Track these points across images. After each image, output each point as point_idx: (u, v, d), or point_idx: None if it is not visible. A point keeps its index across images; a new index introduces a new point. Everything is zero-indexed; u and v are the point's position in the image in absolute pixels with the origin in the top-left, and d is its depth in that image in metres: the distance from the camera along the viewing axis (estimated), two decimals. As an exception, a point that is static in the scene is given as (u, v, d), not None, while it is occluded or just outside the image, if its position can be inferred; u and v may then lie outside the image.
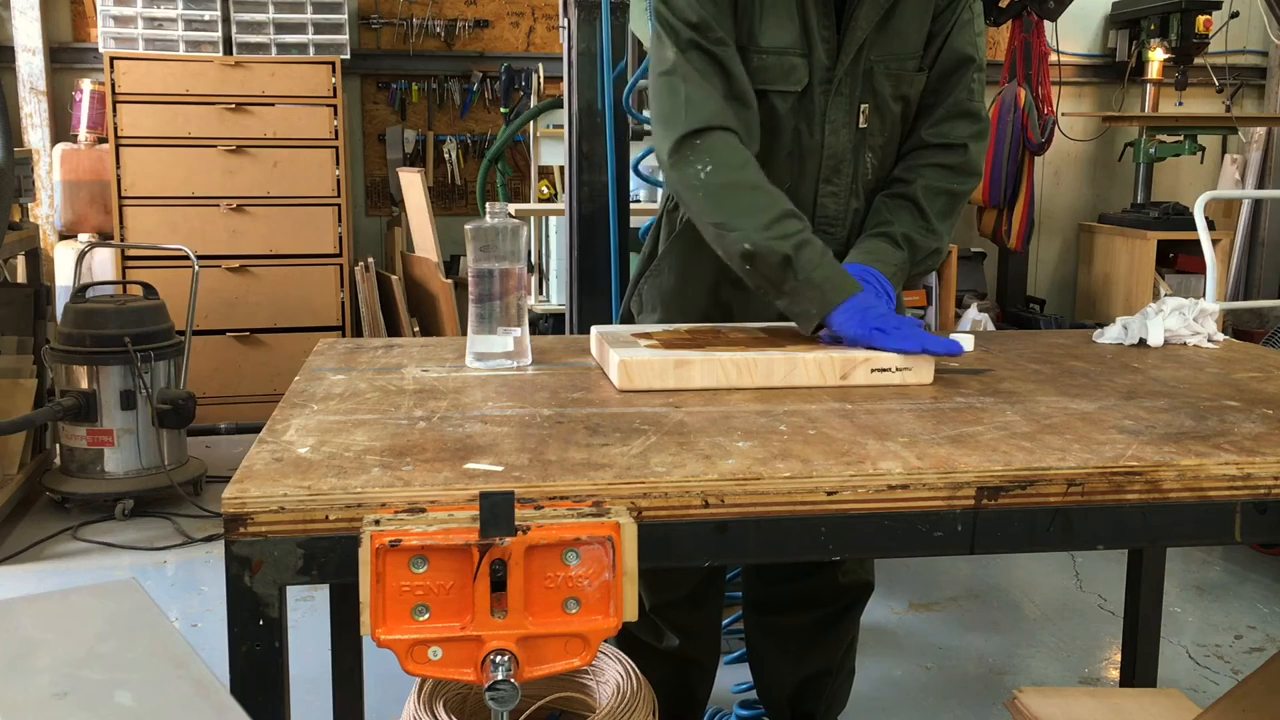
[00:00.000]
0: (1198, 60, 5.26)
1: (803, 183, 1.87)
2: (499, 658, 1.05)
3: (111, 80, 4.57)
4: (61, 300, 4.15)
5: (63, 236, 4.85)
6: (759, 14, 1.77)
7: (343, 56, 4.83)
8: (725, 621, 2.41)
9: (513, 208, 4.04)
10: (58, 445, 3.91)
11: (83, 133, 4.81)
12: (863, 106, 1.84)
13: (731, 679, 2.56)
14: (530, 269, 4.31)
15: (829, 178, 1.87)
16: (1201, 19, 5.09)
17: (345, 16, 4.87)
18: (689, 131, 1.71)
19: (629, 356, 1.51)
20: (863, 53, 1.81)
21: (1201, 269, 3.72)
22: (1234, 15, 5.49)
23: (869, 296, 1.68)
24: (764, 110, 1.82)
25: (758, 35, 1.78)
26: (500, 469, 1.15)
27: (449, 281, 4.60)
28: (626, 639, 2.06)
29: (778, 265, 1.65)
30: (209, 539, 3.57)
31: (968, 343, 1.80)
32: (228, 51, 4.78)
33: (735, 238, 1.67)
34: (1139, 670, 2.16)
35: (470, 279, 1.60)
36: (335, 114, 4.76)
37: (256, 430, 1.33)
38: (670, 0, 1.76)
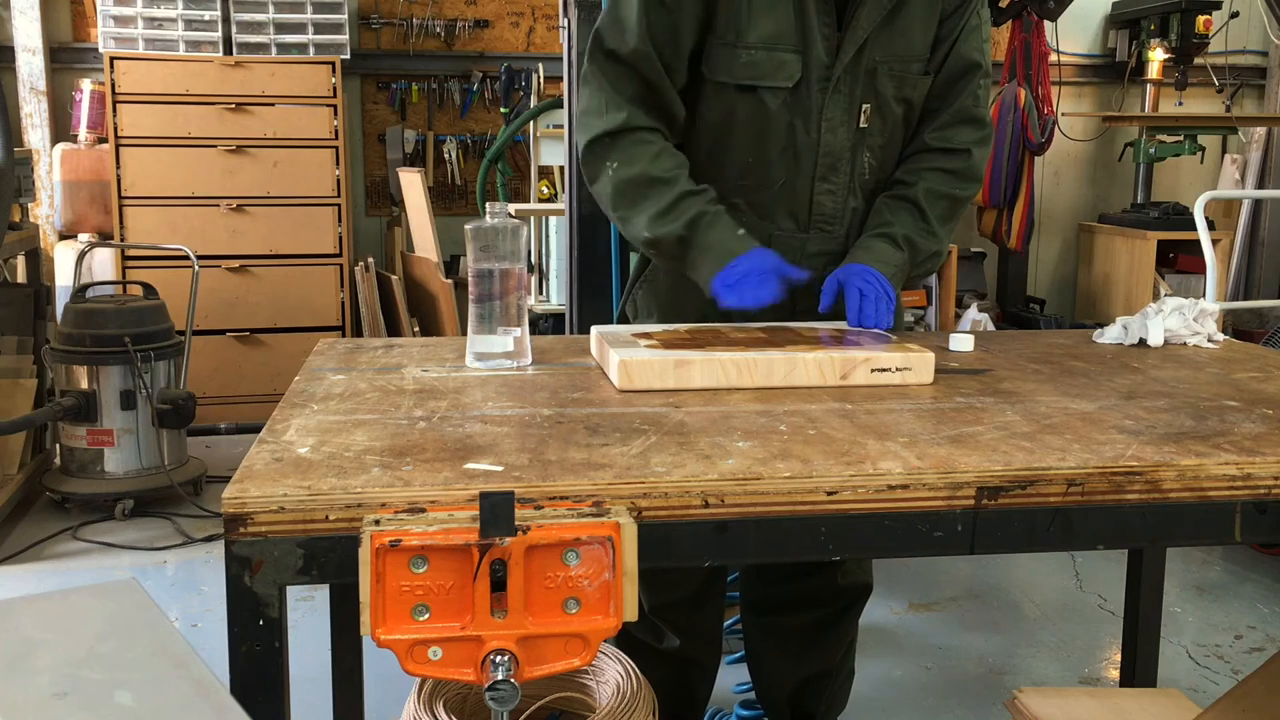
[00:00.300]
0: (1198, 60, 5.26)
1: (798, 180, 1.87)
2: (499, 658, 1.05)
3: (111, 80, 4.57)
4: (61, 300, 4.15)
5: (63, 236, 4.85)
6: (746, 11, 1.78)
7: (343, 56, 4.83)
8: (726, 622, 2.41)
9: (513, 208, 4.04)
10: (58, 445, 3.91)
11: (83, 133, 4.81)
12: (864, 106, 1.84)
13: (732, 679, 2.56)
14: (530, 269, 4.31)
15: (825, 176, 1.87)
16: (1201, 19, 5.08)
17: (345, 16, 4.87)
18: (601, 133, 1.81)
19: (629, 356, 1.51)
20: (865, 52, 1.81)
21: (1201, 269, 3.72)
22: (1234, 15, 5.49)
23: (754, 258, 1.75)
24: (754, 106, 1.83)
25: (745, 31, 1.79)
26: (500, 469, 1.15)
27: (449, 281, 4.60)
28: (626, 639, 2.06)
29: (675, 244, 1.78)
30: (209, 539, 3.57)
31: (968, 343, 1.81)
32: (228, 51, 4.78)
33: (635, 228, 1.81)
34: (1139, 670, 2.16)
35: (470, 279, 1.60)
36: (335, 114, 4.76)
37: (256, 430, 1.33)
38: (618, 3, 1.82)
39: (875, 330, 1.72)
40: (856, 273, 1.77)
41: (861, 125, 1.86)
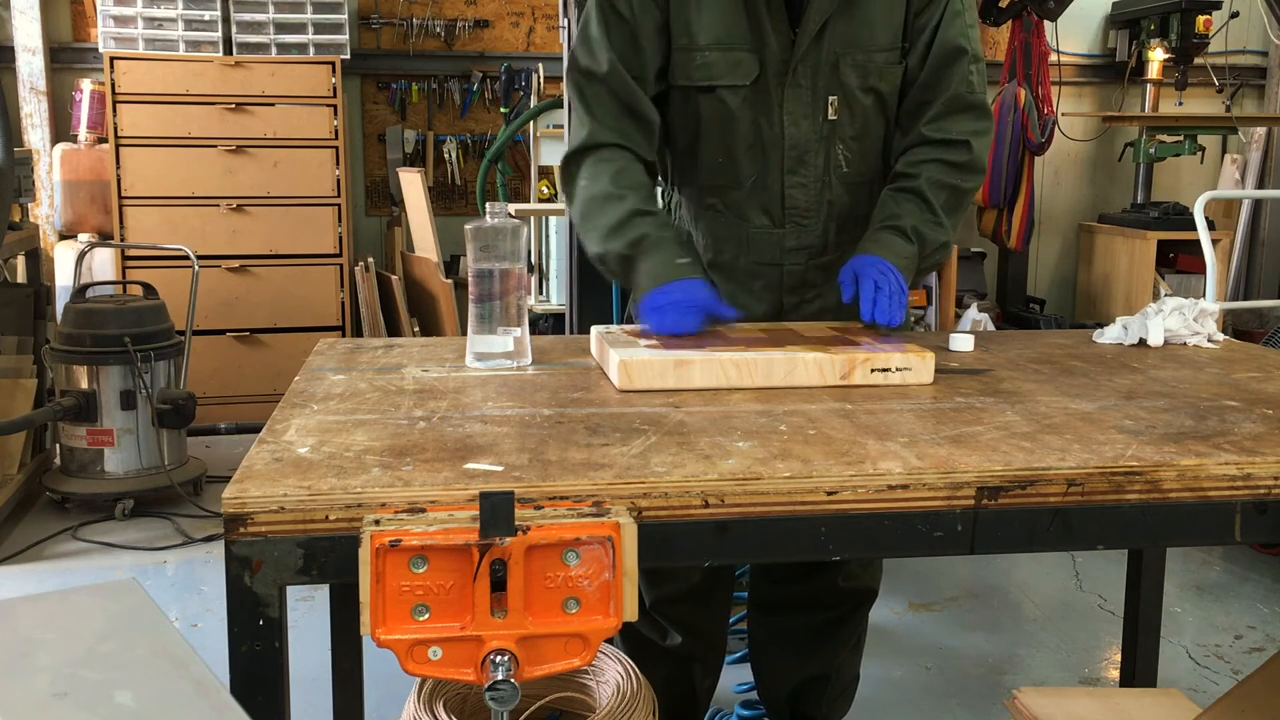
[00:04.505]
0: (1198, 60, 5.25)
1: (768, 174, 1.89)
2: (499, 658, 1.05)
3: (111, 80, 4.57)
4: (61, 300, 4.15)
5: (63, 236, 4.85)
6: (696, 13, 1.82)
7: (343, 56, 4.83)
8: (730, 621, 2.40)
9: (513, 208, 4.04)
10: (58, 445, 3.91)
11: (83, 133, 4.81)
12: (831, 99, 1.85)
13: (732, 679, 2.56)
14: (530, 269, 4.31)
15: (794, 169, 1.88)
16: (1201, 19, 5.08)
17: (345, 16, 4.87)
18: (573, 151, 1.88)
19: (629, 356, 1.51)
20: (823, 44, 1.82)
21: (1201, 269, 3.72)
22: (1234, 15, 5.48)
23: (685, 288, 1.72)
24: (715, 105, 1.86)
25: (696, 34, 1.83)
26: (500, 469, 1.15)
27: (449, 281, 4.60)
28: (630, 636, 2.06)
29: (619, 262, 1.81)
30: (209, 539, 3.57)
31: (968, 343, 1.81)
32: (228, 51, 4.78)
33: (588, 243, 1.86)
34: (1139, 670, 2.16)
35: (470, 279, 1.60)
36: (335, 114, 4.76)
37: (256, 430, 1.33)
38: (585, 19, 1.87)
39: (888, 334, 1.70)
40: (870, 264, 1.73)
41: (830, 117, 1.86)
